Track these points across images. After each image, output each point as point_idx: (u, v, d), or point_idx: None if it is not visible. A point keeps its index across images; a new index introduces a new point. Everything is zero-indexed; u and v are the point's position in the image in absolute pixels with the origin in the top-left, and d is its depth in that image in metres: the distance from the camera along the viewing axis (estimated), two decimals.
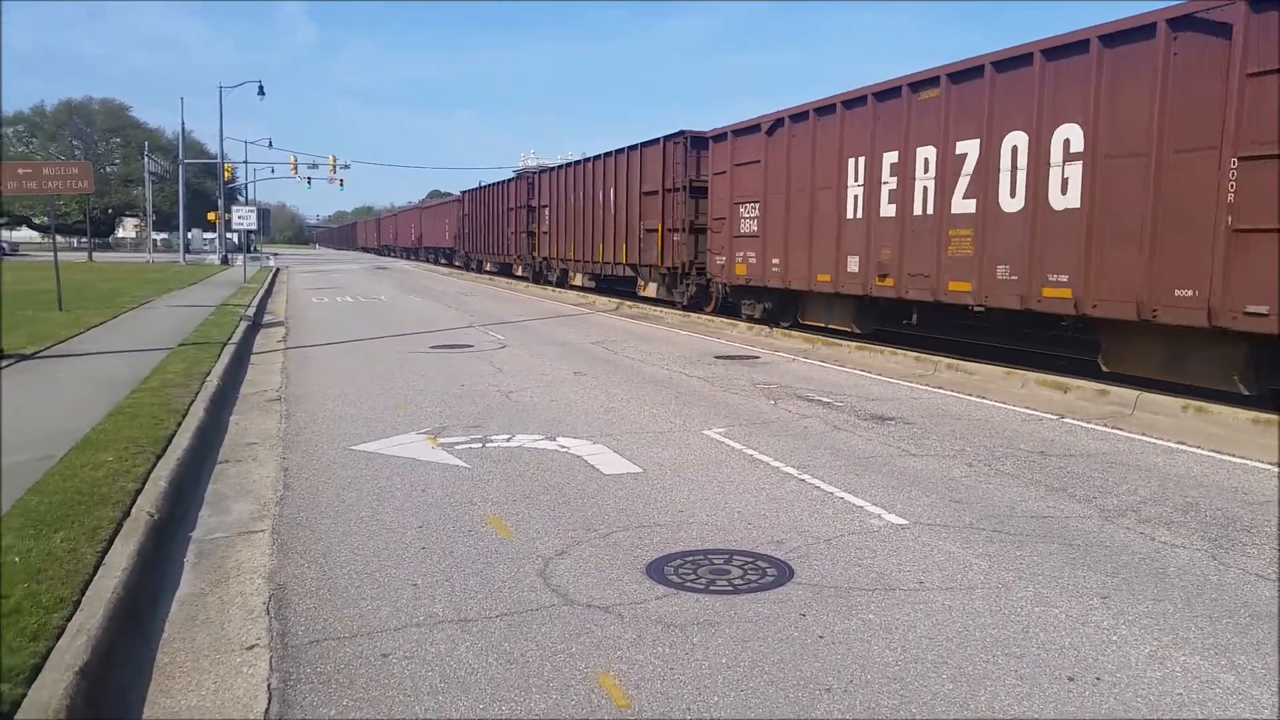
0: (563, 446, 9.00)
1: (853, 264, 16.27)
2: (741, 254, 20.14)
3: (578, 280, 32.90)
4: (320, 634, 4.80)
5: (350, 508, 7.00)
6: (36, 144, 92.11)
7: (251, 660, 4.53)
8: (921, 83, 14.51)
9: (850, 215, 16.30)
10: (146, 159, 68.46)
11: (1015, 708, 4.08)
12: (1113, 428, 10.12)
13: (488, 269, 46.98)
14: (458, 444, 9.07)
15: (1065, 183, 12.12)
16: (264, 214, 51.24)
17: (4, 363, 12.84)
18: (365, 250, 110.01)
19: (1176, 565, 5.86)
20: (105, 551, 5.48)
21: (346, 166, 71.71)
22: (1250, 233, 9.78)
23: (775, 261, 18.75)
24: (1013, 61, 12.80)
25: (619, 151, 27.36)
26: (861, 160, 15.96)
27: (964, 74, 13.68)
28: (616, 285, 30.10)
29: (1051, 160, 12.28)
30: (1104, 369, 12.11)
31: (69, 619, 4.53)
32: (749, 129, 19.68)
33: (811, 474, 8.01)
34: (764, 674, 4.37)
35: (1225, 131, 10.00)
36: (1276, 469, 8.24)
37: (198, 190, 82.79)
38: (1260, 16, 9.61)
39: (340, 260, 79.96)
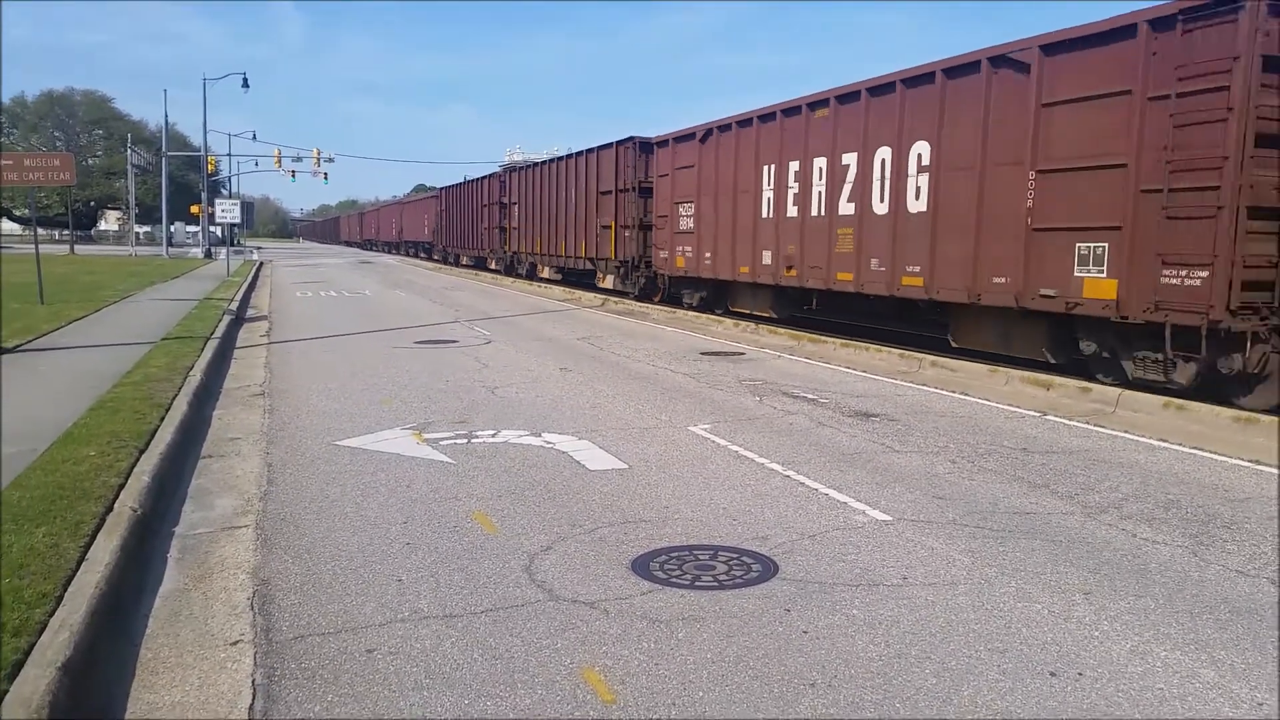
0: (548, 442, 9.00)
1: (766, 258, 18.72)
2: (680, 248, 22.45)
3: (545, 273, 35.14)
4: (305, 629, 4.79)
5: (334, 503, 6.98)
6: (17, 135, 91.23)
7: (236, 656, 4.51)
8: (817, 103, 16.90)
9: (764, 215, 18.74)
10: (129, 151, 68.00)
11: (998, 703, 4.11)
12: (1095, 425, 10.19)
13: (464, 262, 48.49)
14: (443, 439, 9.06)
15: (918, 190, 14.51)
16: (247, 207, 51.13)
17: None
18: (348, 244, 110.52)
19: (1157, 561, 5.91)
20: (88, 547, 5.44)
21: (331, 160, 71.54)
22: (1043, 231, 12.20)
23: (708, 255, 21.14)
24: (882, 88, 15.20)
25: (579, 154, 29.52)
26: (772, 168, 18.40)
27: (847, 97, 16.10)
28: (579, 277, 31.95)
29: (908, 171, 14.69)
30: (953, 344, 14.50)
31: (51, 614, 4.51)
32: (686, 137, 22.04)
33: (796, 470, 8.04)
34: (748, 669, 4.39)
35: (1027, 149, 12.33)
36: (1277, 470, 8.27)
37: (181, 183, 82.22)
38: (1050, 59, 12.07)
39: (324, 254, 79.62)
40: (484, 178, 43.50)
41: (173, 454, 8.03)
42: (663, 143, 23.42)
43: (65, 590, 4.81)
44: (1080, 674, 4.38)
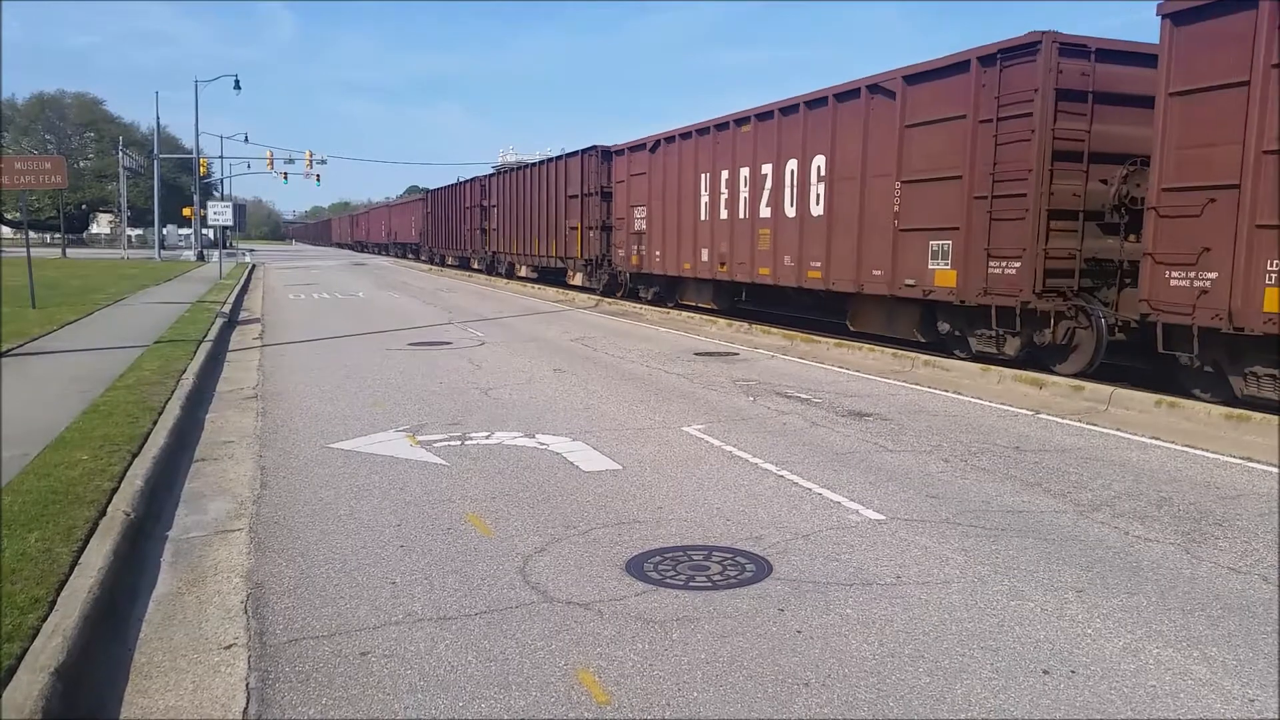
0: (542, 444, 9.00)
1: (704, 255, 21.20)
2: (635, 248, 24.86)
3: (522, 271, 37.63)
4: (299, 633, 4.78)
5: (328, 506, 6.97)
6: (9, 138, 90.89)
7: (230, 660, 4.51)
8: (741, 120, 19.37)
9: (702, 218, 21.16)
10: (121, 154, 67.84)
11: (991, 701, 4.12)
12: (1087, 423, 10.22)
13: (450, 263, 50.71)
14: (437, 441, 9.06)
15: (818, 196, 16.87)
16: (240, 209, 51.03)
17: None
18: (340, 246, 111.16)
19: (1150, 559, 5.93)
20: (81, 551, 5.43)
21: (323, 161, 71.69)
22: (907, 231, 14.60)
23: (658, 254, 23.62)
24: (790, 108, 17.57)
25: (550, 160, 32.17)
26: (707, 176, 20.85)
27: (764, 115, 18.55)
28: (553, 275, 34.23)
29: (811, 180, 17.07)
30: (851, 328, 16.84)
31: (44, 619, 4.50)
32: (639, 147, 24.58)
33: (790, 470, 8.05)
34: (743, 669, 4.39)
35: (894, 163, 14.77)
36: (1277, 469, 8.28)
37: (173, 186, 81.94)
38: (911, 88, 14.47)
39: (317, 256, 79.50)
40: (466, 181, 45.51)
41: (166, 458, 8.01)
42: (620, 151, 25.97)
43: (58, 595, 4.80)
44: (1073, 672, 4.39)
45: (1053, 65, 12.16)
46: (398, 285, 36.96)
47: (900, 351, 14.93)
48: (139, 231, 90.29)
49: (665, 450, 8.81)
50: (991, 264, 12.97)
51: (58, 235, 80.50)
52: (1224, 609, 5.15)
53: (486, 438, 9.25)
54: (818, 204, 16.85)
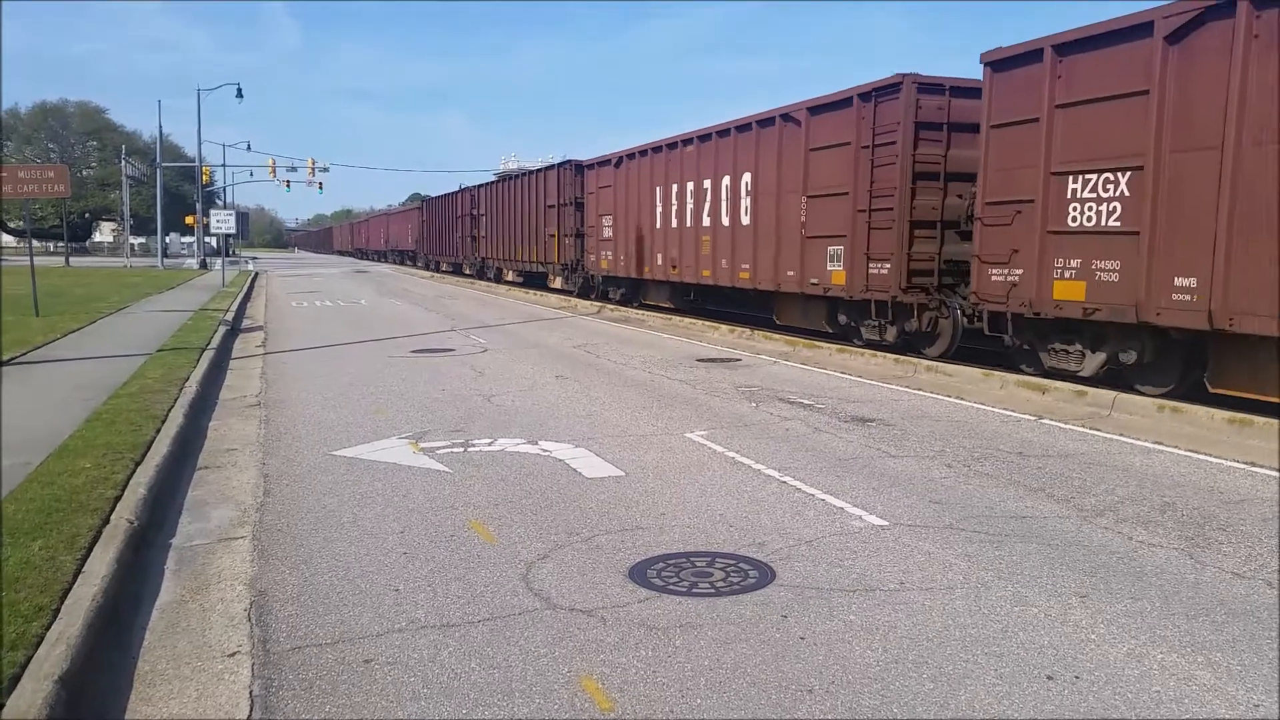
0: (545, 450, 9.00)
1: (660, 260, 23.75)
2: (604, 253, 27.42)
3: (509, 276, 40.31)
4: (302, 640, 4.79)
5: (331, 513, 6.98)
6: (12, 147, 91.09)
7: (233, 667, 4.51)
8: (687, 140, 21.96)
9: (657, 226, 23.68)
10: (124, 162, 68.02)
11: (995, 707, 4.11)
12: (1090, 428, 10.22)
13: (444, 268, 53.57)
14: (439, 448, 9.06)
15: (746, 208, 19.39)
16: (242, 217, 51.11)
17: None
18: (341, 253, 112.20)
19: (1154, 564, 5.93)
20: (84, 559, 5.44)
21: (325, 169, 71.68)
22: (812, 238, 17.09)
23: (623, 259, 26.04)
24: (724, 132, 20.23)
25: (531, 173, 35.17)
26: (660, 189, 23.41)
27: (704, 137, 21.13)
28: (537, 279, 36.53)
29: (741, 194, 19.62)
30: (777, 322, 19.40)
31: (48, 627, 4.50)
32: (606, 162, 27.24)
33: (793, 476, 8.05)
34: (746, 676, 4.39)
35: (801, 181, 17.28)
36: (1278, 473, 8.27)
37: (175, 194, 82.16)
38: (813, 117, 16.94)
39: (319, 264, 79.63)
40: (457, 192, 47.78)
41: (169, 466, 8.02)
42: (590, 166, 28.77)
43: (62, 603, 4.80)
44: (1077, 677, 4.39)
45: (912, 102, 14.68)
46: (400, 292, 37.00)
47: (902, 357, 14.94)
48: (142, 240, 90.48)
49: (668, 456, 8.81)
50: (871, 265, 15.51)
51: (61, 244, 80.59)
52: (1228, 614, 5.14)
53: (489, 444, 9.26)
54: (746, 215, 19.39)
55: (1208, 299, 10.12)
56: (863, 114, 15.48)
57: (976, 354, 14.56)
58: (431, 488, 7.66)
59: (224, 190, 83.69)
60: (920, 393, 12.63)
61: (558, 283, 32.91)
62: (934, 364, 14.20)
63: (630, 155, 25.15)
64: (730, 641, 4.75)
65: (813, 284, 17.10)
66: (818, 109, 16.80)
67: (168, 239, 69.09)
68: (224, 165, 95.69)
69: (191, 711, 4.13)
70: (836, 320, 17.31)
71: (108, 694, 4.28)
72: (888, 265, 15.06)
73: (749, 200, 19.20)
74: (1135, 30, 10.89)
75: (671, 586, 5.49)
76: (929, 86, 14.75)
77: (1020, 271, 12.50)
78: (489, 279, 42.09)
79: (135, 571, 5.72)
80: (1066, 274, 11.86)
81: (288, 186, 75.19)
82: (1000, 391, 12.54)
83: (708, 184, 20.91)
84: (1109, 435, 9.88)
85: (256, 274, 50.15)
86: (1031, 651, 4.66)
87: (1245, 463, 8.59)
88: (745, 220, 19.37)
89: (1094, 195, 11.49)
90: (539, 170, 33.85)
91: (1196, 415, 10.27)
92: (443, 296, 34.65)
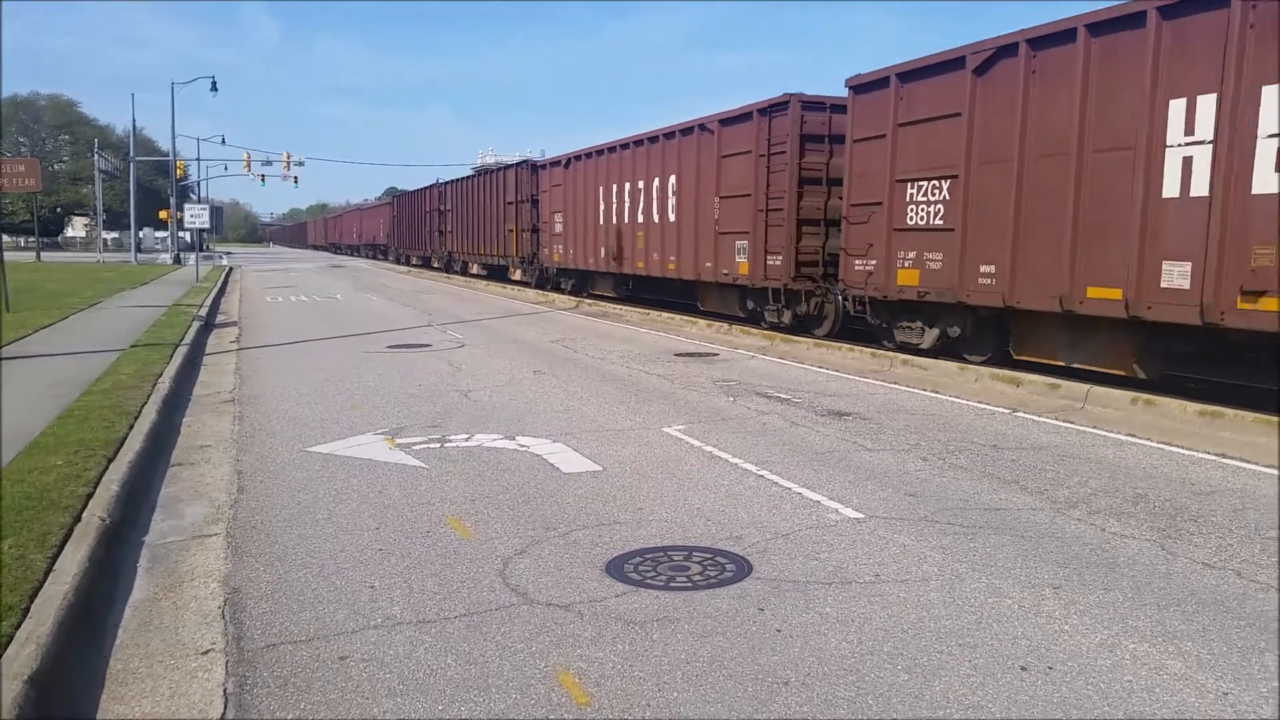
0: (522, 446, 8.98)
1: (602, 253, 25.51)
2: (556, 247, 29.36)
3: (474, 269, 41.60)
4: (276, 638, 4.76)
5: (306, 510, 6.94)
6: None
7: (207, 665, 4.48)
8: (624, 145, 23.92)
9: (600, 223, 25.52)
10: (96, 156, 67.20)
11: (969, 697, 4.15)
12: (1064, 421, 10.30)
13: (414, 262, 54.47)
14: (416, 444, 9.03)
15: (674, 207, 21.47)
16: (216, 212, 50.57)
17: None
18: (315, 248, 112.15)
19: (1126, 555, 5.99)
20: (55, 558, 5.38)
21: (301, 164, 70.82)
22: (724, 234, 19.21)
23: (572, 252, 27.96)
24: (654, 139, 22.25)
25: (491, 170, 38.07)
26: (602, 188, 25.37)
27: (639, 142, 23.12)
28: (499, 272, 38.15)
29: (669, 194, 21.65)
30: (701, 308, 21.84)
31: (18, 627, 4.45)
32: (557, 163, 29.40)
33: (770, 470, 8.07)
34: (723, 669, 4.40)
35: (714, 183, 19.49)
36: (1278, 470, 8.35)
37: (149, 188, 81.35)
38: (724, 128, 19.11)
39: (294, 259, 79.06)
40: (425, 188, 49.23)
41: (142, 462, 7.95)
42: (544, 166, 31.13)
43: (32, 602, 4.75)
44: (1050, 668, 4.43)
45: (798, 118, 16.95)
46: (376, 287, 36.81)
47: (879, 351, 15.02)
48: (115, 235, 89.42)
49: (646, 451, 8.81)
50: (768, 258, 17.72)
51: (32, 239, 79.64)
52: (1199, 604, 5.20)
53: (466, 440, 9.23)
54: (672, 213, 21.50)
55: (1003, 283, 12.40)
56: (761, 127, 17.64)
57: (858, 334, 16.34)
58: (408, 484, 7.63)
59: (198, 185, 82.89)
60: (896, 386, 12.70)
61: (517, 275, 34.86)
62: (910, 358, 14.29)
63: (578, 157, 27.31)
64: (707, 635, 4.77)
65: (724, 274, 19.26)
66: (727, 121, 18.99)
67: (141, 234, 68.30)
68: (198, 159, 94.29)
69: (165, 710, 4.10)
70: (746, 306, 19.38)
71: (80, 693, 4.24)
72: (780, 257, 17.34)
73: (674, 200, 21.34)
74: (953, 63, 13.15)
75: (649, 581, 5.50)
76: (812, 105, 17.05)
77: (874, 262, 14.82)
78: (456, 272, 43.79)
79: (107, 569, 5.67)
80: (906, 264, 14.17)
81: (262, 180, 74.59)
82: (975, 385, 12.63)
83: (641, 184, 22.96)
84: (1082, 428, 9.96)
85: (231, 269, 49.76)
86: (1005, 642, 4.70)
87: (1216, 454, 8.69)
88: (671, 218, 21.47)
89: (925, 199, 13.80)
90: (499, 169, 36.24)
91: (1169, 408, 10.38)
92: (419, 291, 34.50)
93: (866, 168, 14.98)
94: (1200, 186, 9.94)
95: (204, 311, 22.77)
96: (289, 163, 69.02)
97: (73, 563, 5.31)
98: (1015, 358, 12.99)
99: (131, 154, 62.50)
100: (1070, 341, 12.19)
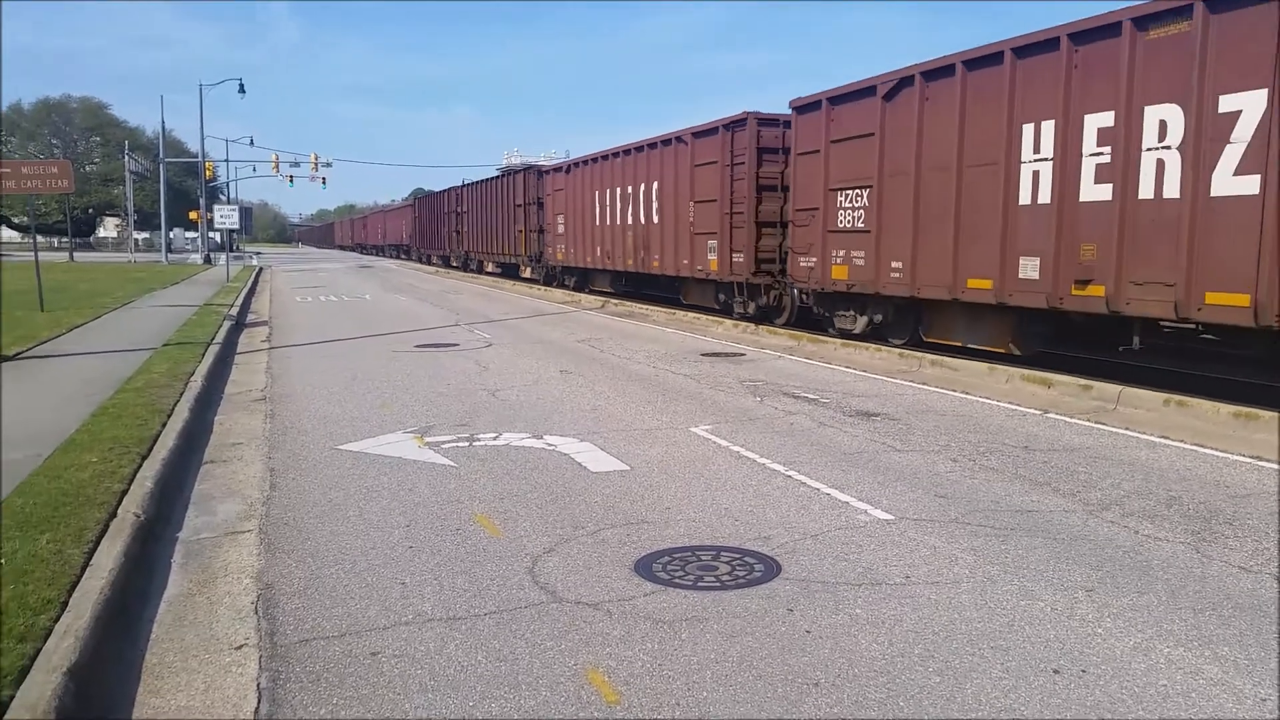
0: (550, 444, 9.01)
1: (598, 252, 27.82)
2: (559, 246, 31.59)
3: (489, 268, 44.07)
4: (309, 633, 4.80)
5: (337, 507, 6.99)
6: (15, 143, 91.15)
7: (240, 660, 4.52)
8: (615, 153, 26.03)
9: (596, 224, 27.81)
10: (127, 158, 67.97)
11: (1001, 700, 4.12)
12: (1096, 423, 10.20)
13: (434, 261, 57.17)
14: (445, 443, 9.07)
15: (656, 210, 23.62)
16: (246, 213, 51.18)
17: None
18: (342, 248, 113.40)
19: (1160, 558, 5.92)
20: (92, 553, 5.46)
21: (329, 164, 71.32)
22: (698, 234, 21.35)
23: (573, 251, 30.19)
24: (641, 148, 24.43)
25: (501, 175, 40.83)
26: (597, 193, 27.53)
27: (628, 151, 25.20)
28: (510, 270, 40.26)
29: (652, 199, 23.78)
30: (684, 301, 23.74)
31: (56, 620, 4.52)
32: (559, 169, 32.00)
33: (798, 470, 8.05)
34: (752, 669, 4.40)
35: (689, 189, 21.61)
36: (1278, 466, 8.26)
37: (179, 189, 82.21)
38: (696, 140, 21.29)
39: (323, 259, 79.66)
40: (444, 191, 51.68)
41: (175, 459, 8.04)
42: (546, 171, 33.79)
43: (70, 596, 4.82)
44: (1083, 671, 4.39)
45: (755, 133, 19.35)
46: (404, 288, 37.02)
47: (907, 351, 14.93)
48: (145, 235, 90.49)
49: (673, 451, 8.81)
50: (733, 255, 19.91)
51: (65, 239, 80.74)
52: (1235, 608, 5.13)
53: (494, 439, 9.27)
54: (656, 215, 23.68)
55: (909, 276, 14.55)
56: (725, 140, 19.91)
57: (813, 322, 18.29)
58: (437, 481, 7.67)
59: (227, 185, 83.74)
60: (925, 387, 12.62)
61: (527, 272, 37.48)
62: (939, 358, 14.20)
63: (577, 164, 29.65)
64: (736, 635, 4.76)
65: (699, 270, 21.57)
66: (699, 134, 21.29)
67: (171, 234, 69.04)
68: (227, 160, 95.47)
69: (199, 703, 4.14)
70: (719, 299, 21.55)
71: (115, 686, 4.30)
72: (743, 255, 19.54)
73: (658, 204, 23.55)
74: (868, 90, 15.36)
75: (677, 580, 5.50)
76: (767, 121, 19.38)
77: (815, 260, 17.00)
78: (471, 270, 46.53)
79: (142, 565, 5.74)
80: (838, 260, 16.34)
81: (290, 182, 75.46)
82: (1005, 386, 12.53)
83: (630, 189, 25.18)
84: (1114, 429, 9.87)
85: (260, 269, 50.19)
86: (1037, 645, 4.66)
87: (1251, 456, 8.58)
88: (655, 219, 23.72)
89: (851, 205, 16.01)
90: (508, 174, 39.52)
91: (1202, 409, 10.26)
92: (446, 291, 34.67)
93: (807, 178, 17.17)
94: (1045, 195, 12.13)
95: (235, 311, 22.98)
96: (317, 164, 69.57)
97: (108, 558, 5.39)
98: (925, 340, 15.11)
99: (161, 155, 63.23)
100: (966, 325, 14.27)
